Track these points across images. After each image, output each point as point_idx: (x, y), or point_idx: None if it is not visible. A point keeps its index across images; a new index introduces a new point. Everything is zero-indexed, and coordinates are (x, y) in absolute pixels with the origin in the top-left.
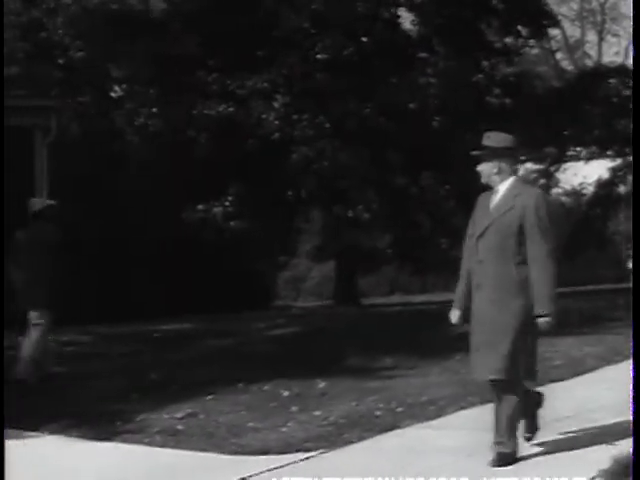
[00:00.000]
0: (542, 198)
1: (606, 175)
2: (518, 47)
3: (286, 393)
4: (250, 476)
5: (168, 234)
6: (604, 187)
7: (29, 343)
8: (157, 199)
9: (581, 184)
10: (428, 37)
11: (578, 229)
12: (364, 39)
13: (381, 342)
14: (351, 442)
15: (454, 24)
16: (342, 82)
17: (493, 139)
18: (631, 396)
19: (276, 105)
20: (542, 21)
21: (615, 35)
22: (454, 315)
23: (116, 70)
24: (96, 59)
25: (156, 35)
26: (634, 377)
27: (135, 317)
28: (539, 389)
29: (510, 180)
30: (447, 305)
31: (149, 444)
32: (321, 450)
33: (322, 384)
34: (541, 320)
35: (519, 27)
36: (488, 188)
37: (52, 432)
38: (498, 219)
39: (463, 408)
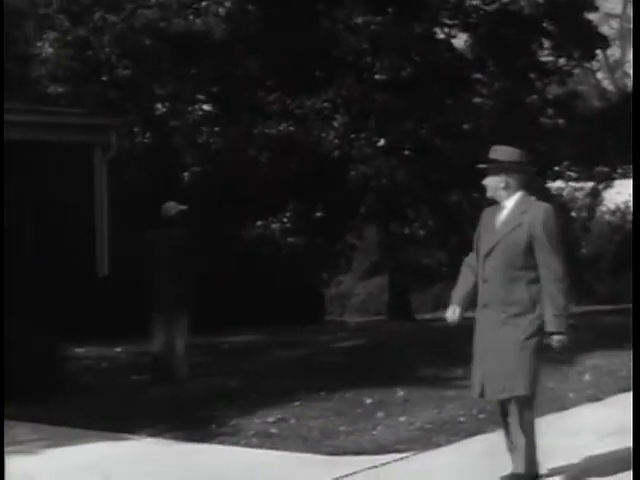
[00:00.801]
0: (550, 213)
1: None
2: (569, 68)
3: (369, 400)
4: (346, 475)
5: (227, 250)
6: None
7: (181, 341)
8: (216, 216)
9: (625, 202)
10: (482, 58)
11: (623, 247)
12: (420, 60)
13: (446, 354)
14: (440, 445)
15: (507, 45)
16: (399, 102)
17: (500, 153)
18: (631, 396)
19: (335, 124)
20: (593, 43)
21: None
22: (453, 311)
23: (161, 89)
24: (143, 78)
25: (218, 56)
26: (634, 377)
27: (197, 329)
28: None
29: (517, 195)
30: None
31: (246, 445)
32: (413, 452)
33: (401, 392)
34: (555, 338)
35: (570, 49)
36: (494, 202)
37: (150, 435)
38: (505, 237)
39: (542, 415)
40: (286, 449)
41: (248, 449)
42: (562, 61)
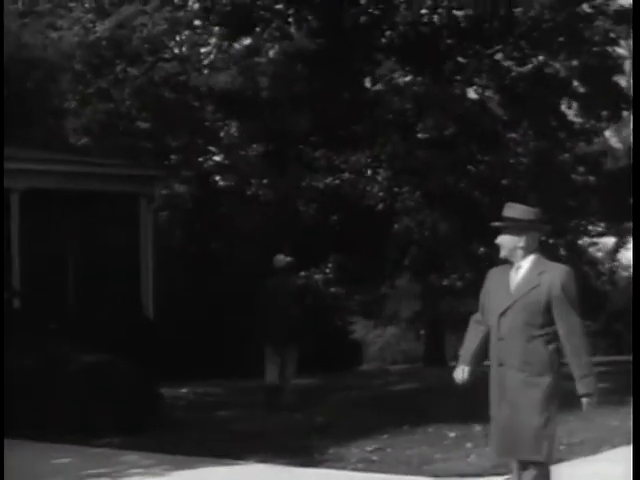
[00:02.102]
0: (570, 275)
1: None
2: (597, 128)
3: (452, 434)
4: None
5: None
6: None
7: (292, 373)
8: (260, 265)
9: None
10: (516, 118)
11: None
12: (459, 119)
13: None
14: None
15: (539, 106)
16: (440, 159)
17: (519, 211)
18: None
19: (379, 179)
20: (621, 104)
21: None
22: (462, 371)
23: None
24: (160, 130)
25: (266, 112)
26: (634, 378)
27: (242, 374)
28: None
29: (533, 256)
30: None
31: (354, 470)
32: (508, 476)
33: (478, 427)
34: (585, 400)
35: (599, 109)
36: (503, 262)
37: (258, 461)
38: (523, 297)
39: (614, 447)
40: (390, 472)
41: (356, 473)
42: (590, 121)
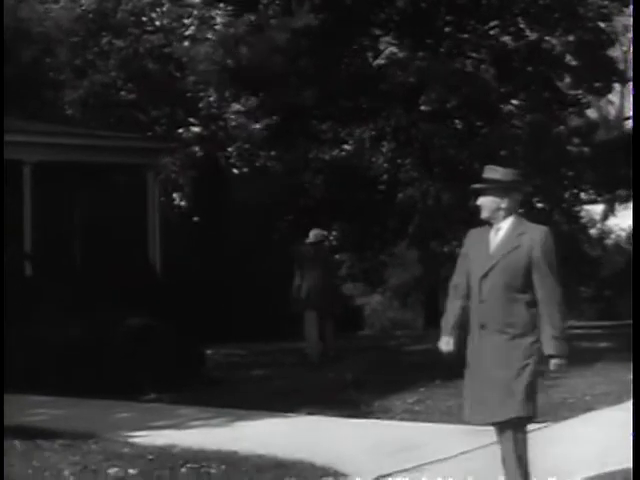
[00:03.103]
0: (549, 236)
1: None
2: (589, 100)
3: None
4: (484, 446)
5: (275, 265)
6: None
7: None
8: (267, 233)
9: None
10: (514, 92)
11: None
12: (459, 92)
13: None
14: (565, 418)
15: (534, 79)
16: (442, 131)
17: (500, 173)
18: (631, 395)
19: (383, 150)
20: (612, 77)
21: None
22: (447, 342)
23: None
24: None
25: (277, 88)
26: (634, 379)
27: (248, 338)
28: None
29: (512, 218)
30: None
31: (402, 420)
32: (546, 423)
33: None
34: (553, 361)
35: (591, 82)
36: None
37: (309, 413)
38: (503, 258)
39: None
40: (436, 422)
41: (404, 422)
42: (582, 93)
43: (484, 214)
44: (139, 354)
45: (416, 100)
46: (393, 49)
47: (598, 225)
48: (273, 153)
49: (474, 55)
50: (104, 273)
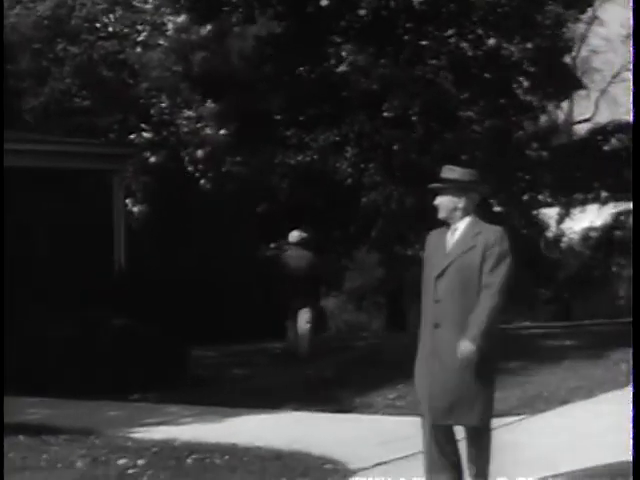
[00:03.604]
0: (503, 235)
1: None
2: (544, 105)
3: None
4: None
5: (241, 270)
6: (607, 231)
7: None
8: (233, 239)
9: (586, 228)
10: (473, 97)
11: (583, 270)
12: (421, 99)
13: None
14: (543, 410)
15: (493, 86)
16: (405, 136)
17: (458, 173)
18: (631, 394)
19: (347, 155)
20: (568, 83)
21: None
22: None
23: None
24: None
25: (242, 94)
26: (634, 377)
27: (225, 339)
28: None
29: (469, 218)
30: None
31: (385, 414)
32: (524, 416)
33: None
34: (464, 344)
35: (548, 88)
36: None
37: (294, 409)
38: (459, 258)
39: (605, 391)
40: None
41: (388, 417)
42: (537, 99)
43: (441, 214)
44: (124, 354)
45: (379, 106)
46: (354, 57)
47: (552, 228)
48: (239, 158)
49: (434, 62)
50: (74, 275)
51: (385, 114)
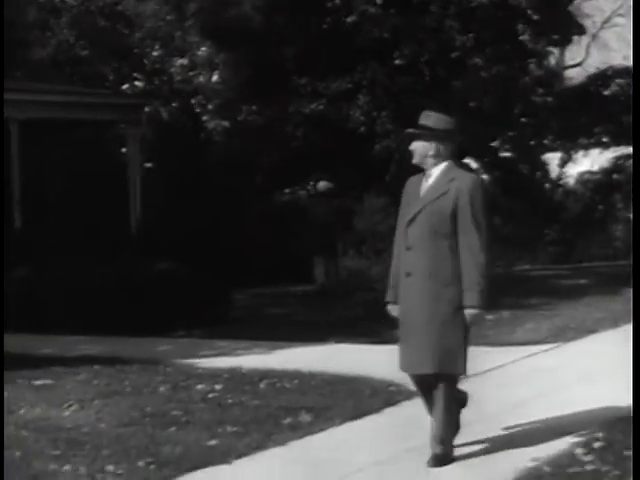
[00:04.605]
0: (478, 184)
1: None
2: (547, 52)
3: (489, 317)
4: (522, 357)
5: (259, 214)
6: (606, 175)
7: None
8: (248, 186)
9: (583, 172)
10: (480, 46)
11: (583, 212)
12: (431, 47)
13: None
14: (572, 339)
15: (499, 33)
16: (416, 83)
17: (433, 119)
18: (631, 394)
19: (360, 103)
20: (572, 29)
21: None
22: (393, 310)
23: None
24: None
25: (256, 45)
26: (634, 373)
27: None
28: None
29: (444, 164)
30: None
31: None
32: (557, 344)
33: (506, 313)
34: (468, 312)
35: (551, 34)
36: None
37: (337, 342)
38: (430, 204)
39: (628, 322)
40: None
41: None
42: (541, 46)
43: (415, 159)
44: (168, 295)
45: (390, 54)
46: (365, 6)
47: (554, 173)
48: (254, 107)
49: (440, 10)
50: (98, 224)
51: (396, 62)
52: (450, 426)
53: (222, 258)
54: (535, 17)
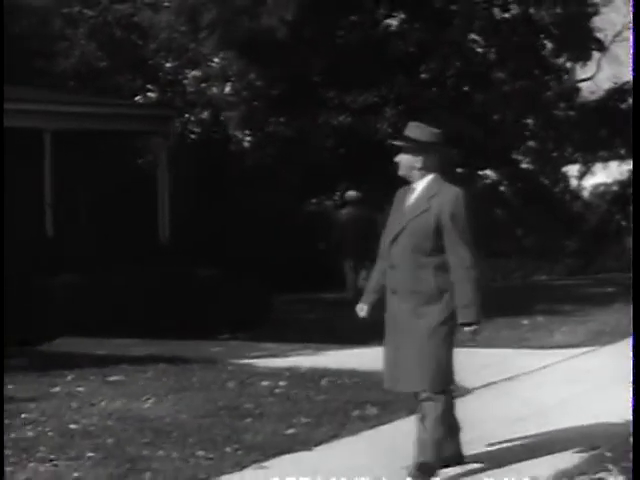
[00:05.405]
0: (460, 198)
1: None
2: (568, 67)
3: (525, 322)
4: (558, 361)
5: (287, 223)
6: (623, 187)
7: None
8: (276, 197)
9: (597, 185)
10: (502, 60)
11: (599, 224)
12: (456, 62)
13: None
14: (605, 344)
15: (522, 48)
16: (441, 96)
17: (420, 132)
18: (631, 392)
19: (386, 116)
20: (590, 45)
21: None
22: (362, 309)
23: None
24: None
25: (285, 57)
26: (634, 371)
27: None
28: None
29: (429, 178)
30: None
31: (465, 347)
32: (594, 347)
33: (540, 318)
34: (467, 329)
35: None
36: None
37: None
38: (412, 221)
39: None
40: (499, 347)
41: (470, 349)
42: (562, 60)
43: (401, 171)
44: (212, 300)
45: (416, 69)
46: (388, 21)
47: (572, 185)
48: (282, 119)
49: (465, 25)
50: (127, 232)
51: (422, 76)
52: (439, 442)
53: (252, 265)
54: (556, 32)
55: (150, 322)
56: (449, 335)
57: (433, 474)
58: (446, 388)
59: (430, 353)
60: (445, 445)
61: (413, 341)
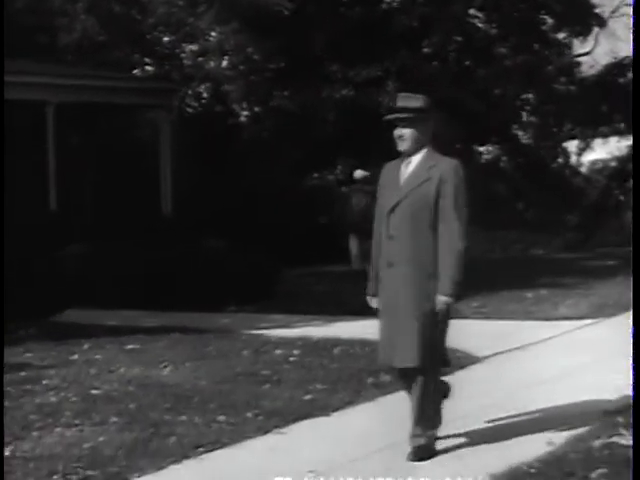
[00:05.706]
0: (459, 170)
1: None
2: (568, 42)
3: (529, 294)
4: (564, 332)
5: (289, 197)
6: (622, 162)
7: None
8: (277, 171)
9: (595, 160)
10: (504, 35)
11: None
12: (458, 36)
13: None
14: (610, 316)
15: (523, 23)
16: (443, 71)
17: (421, 100)
18: (631, 392)
19: (388, 89)
20: (591, 21)
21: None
22: (374, 302)
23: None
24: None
25: (289, 32)
26: (634, 368)
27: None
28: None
29: (424, 150)
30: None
31: (473, 318)
32: (598, 319)
33: (544, 291)
34: (441, 299)
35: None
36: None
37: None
38: (412, 192)
39: None
40: (506, 319)
41: (480, 320)
42: (563, 35)
43: (405, 145)
44: (218, 272)
45: (419, 43)
46: None
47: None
48: (286, 93)
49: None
50: (130, 206)
51: (425, 50)
52: (432, 419)
53: (257, 238)
54: (557, 8)
55: (158, 294)
56: (445, 315)
57: (433, 454)
58: (437, 368)
59: (432, 329)
60: (436, 419)
61: (414, 315)
